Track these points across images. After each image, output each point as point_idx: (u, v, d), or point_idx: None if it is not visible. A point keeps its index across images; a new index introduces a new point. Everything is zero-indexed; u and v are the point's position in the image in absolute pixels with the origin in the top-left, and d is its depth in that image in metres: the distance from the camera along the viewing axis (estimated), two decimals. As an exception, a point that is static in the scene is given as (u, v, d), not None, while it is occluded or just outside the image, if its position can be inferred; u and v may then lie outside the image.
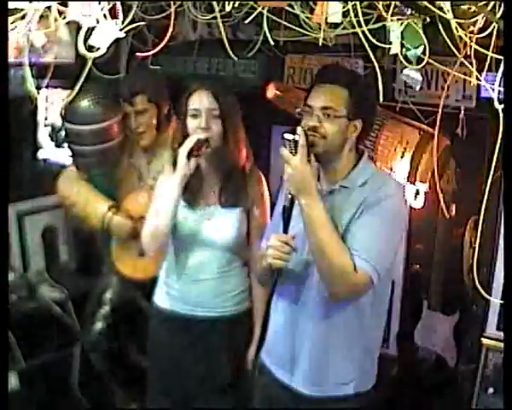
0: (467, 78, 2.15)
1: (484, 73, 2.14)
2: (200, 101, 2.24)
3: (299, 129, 1.83)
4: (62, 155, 3.17)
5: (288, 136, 1.81)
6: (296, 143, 1.81)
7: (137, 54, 2.88)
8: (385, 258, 1.90)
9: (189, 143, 2.19)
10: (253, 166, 2.41)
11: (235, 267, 2.41)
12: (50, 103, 3.42)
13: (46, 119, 3.52)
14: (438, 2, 1.64)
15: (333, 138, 1.90)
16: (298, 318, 2.01)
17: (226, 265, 2.38)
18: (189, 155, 2.19)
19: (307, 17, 1.93)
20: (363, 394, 2.03)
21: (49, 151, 3.58)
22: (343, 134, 1.92)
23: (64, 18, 1.87)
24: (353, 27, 1.78)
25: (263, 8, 1.93)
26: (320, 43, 2.01)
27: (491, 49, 1.77)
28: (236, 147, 2.30)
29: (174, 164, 2.28)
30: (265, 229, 2.34)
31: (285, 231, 1.91)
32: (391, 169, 2.65)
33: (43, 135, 3.62)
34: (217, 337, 2.39)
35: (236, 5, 2.00)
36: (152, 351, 2.53)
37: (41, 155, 3.56)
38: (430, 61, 1.86)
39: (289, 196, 1.88)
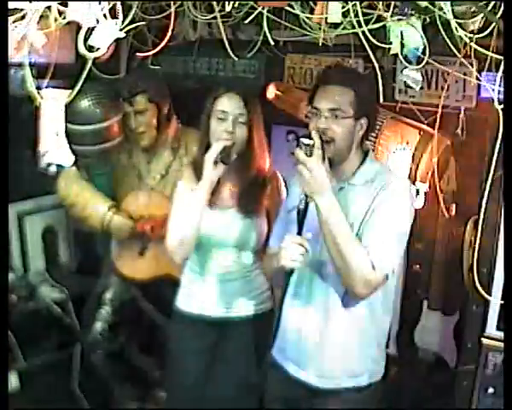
0: (467, 78, 2.16)
1: (484, 73, 2.14)
2: (230, 104, 2.23)
3: (313, 133, 1.86)
4: (63, 156, 3.17)
5: (305, 140, 1.84)
6: (312, 145, 1.83)
7: (137, 54, 2.88)
8: (398, 254, 1.96)
9: (215, 149, 2.17)
10: (274, 170, 2.40)
11: (255, 269, 2.40)
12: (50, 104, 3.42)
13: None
14: (438, 2, 1.64)
15: (341, 140, 1.93)
16: (311, 315, 2.03)
17: (246, 266, 2.38)
18: (216, 161, 2.18)
19: (307, 17, 1.93)
20: (375, 384, 2.08)
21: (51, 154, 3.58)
22: (351, 134, 1.95)
23: (64, 18, 1.87)
24: (353, 27, 1.78)
25: (263, 8, 1.93)
26: (320, 44, 2.01)
27: (491, 49, 1.77)
28: (259, 153, 2.30)
29: (195, 169, 2.28)
30: None
31: (299, 232, 1.92)
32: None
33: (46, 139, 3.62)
34: (237, 338, 2.39)
35: (236, 5, 2.00)
36: (174, 353, 2.51)
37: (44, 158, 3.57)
38: (430, 61, 1.87)
39: (304, 198, 1.89)
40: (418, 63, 1.89)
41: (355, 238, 1.88)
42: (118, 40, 1.93)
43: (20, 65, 2.21)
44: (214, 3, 2.02)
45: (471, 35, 1.73)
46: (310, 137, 1.85)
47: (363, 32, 1.76)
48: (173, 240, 2.27)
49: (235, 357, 2.39)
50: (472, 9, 1.68)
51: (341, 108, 1.91)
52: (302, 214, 1.91)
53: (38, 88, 2.67)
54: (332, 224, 1.85)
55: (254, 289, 2.41)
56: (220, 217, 2.33)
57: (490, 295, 2.47)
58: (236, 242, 2.34)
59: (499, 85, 1.83)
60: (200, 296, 2.42)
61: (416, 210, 2.66)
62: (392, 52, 1.81)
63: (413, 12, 1.72)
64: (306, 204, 1.90)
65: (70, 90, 2.66)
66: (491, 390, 2.52)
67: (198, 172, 2.27)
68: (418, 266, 3.08)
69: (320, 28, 1.92)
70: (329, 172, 1.89)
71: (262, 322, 2.39)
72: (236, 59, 2.22)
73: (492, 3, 1.63)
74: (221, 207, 2.34)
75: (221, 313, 2.39)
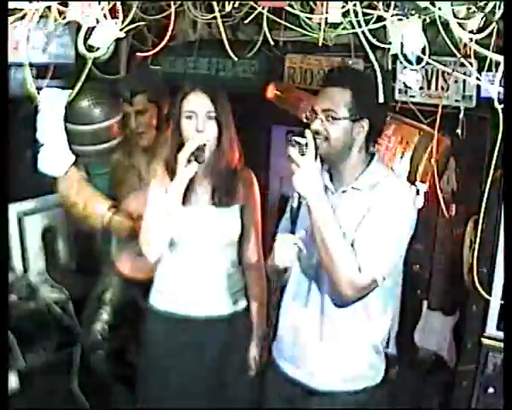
0: (467, 78, 2.16)
1: (484, 73, 2.14)
2: (197, 103, 2.24)
3: (307, 131, 1.87)
4: (62, 155, 3.18)
5: (298, 139, 1.85)
6: (305, 145, 1.84)
7: (137, 54, 2.88)
8: (390, 260, 1.93)
9: (189, 149, 2.18)
10: (244, 165, 2.41)
11: (231, 267, 2.41)
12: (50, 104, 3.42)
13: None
14: (438, 3, 1.64)
15: (336, 140, 1.92)
16: (308, 316, 2.03)
17: (222, 264, 2.38)
18: (189, 160, 2.19)
19: (307, 17, 1.93)
20: (372, 388, 2.06)
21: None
22: (347, 135, 1.93)
23: (64, 18, 1.87)
24: (353, 27, 1.78)
25: (263, 8, 1.93)
26: (320, 44, 2.01)
27: (491, 49, 1.77)
28: (231, 148, 2.31)
29: (167, 168, 2.29)
30: (259, 227, 2.39)
31: (292, 231, 1.93)
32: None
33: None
34: (215, 336, 2.39)
35: (236, 5, 2.00)
36: (149, 352, 2.51)
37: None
38: (430, 61, 1.86)
39: (297, 197, 1.91)
40: (418, 63, 1.89)
41: (344, 240, 1.87)
42: (118, 40, 1.93)
43: (20, 65, 2.22)
44: (214, 3, 2.02)
45: (471, 35, 1.73)
46: (303, 136, 1.85)
47: (363, 32, 1.76)
48: (147, 239, 2.29)
49: (211, 356, 2.39)
50: (472, 9, 1.68)
51: (334, 110, 1.90)
52: (295, 213, 1.93)
53: (38, 88, 2.69)
54: (321, 223, 1.85)
55: (231, 287, 2.41)
56: (195, 214, 2.33)
57: (490, 295, 2.47)
58: (212, 239, 2.34)
59: (499, 85, 1.83)
60: (173, 295, 2.41)
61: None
62: (392, 52, 1.81)
63: (413, 12, 1.72)
64: (299, 203, 1.91)
65: (70, 90, 2.67)
66: (491, 390, 2.52)
67: (170, 171, 2.27)
68: (418, 266, 3.08)
69: (320, 28, 1.92)
70: (321, 172, 1.89)
71: (236, 321, 2.42)
72: (236, 59, 2.22)
73: (492, 3, 1.63)
74: (195, 205, 2.34)
75: (195, 312, 2.39)
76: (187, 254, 2.37)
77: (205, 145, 2.21)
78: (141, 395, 2.56)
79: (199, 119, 2.22)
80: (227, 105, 2.30)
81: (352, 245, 1.88)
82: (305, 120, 1.99)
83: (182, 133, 2.26)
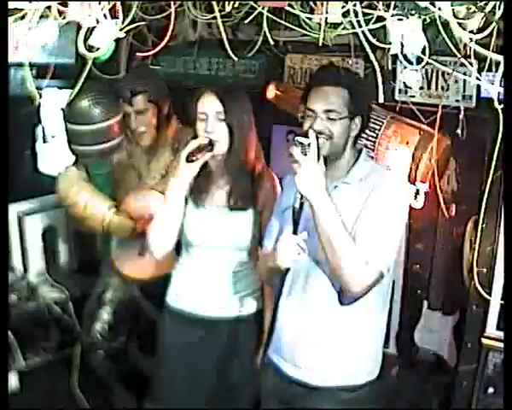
0: (467, 78, 2.16)
1: (484, 73, 2.14)
2: (207, 104, 2.24)
3: (310, 132, 1.87)
4: (62, 155, 3.18)
5: (301, 139, 1.85)
6: (308, 145, 1.84)
7: (137, 54, 2.88)
8: (392, 250, 1.96)
9: (189, 148, 2.20)
10: (265, 167, 2.41)
11: (246, 268, 2.40)
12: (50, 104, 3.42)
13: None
14: (438, 3, 1.64)
15: (338, 139, 1.95)
16: (307, 315, 2.04)
17: (237, 265, 2.38)
18: (191, 159, 2.19)
19: (307, 17, 1.93)
20: (370, 383, 2.07)
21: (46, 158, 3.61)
22: (346, 133, 1.97)
23: (64, 18, 1.87)
24: (353, 27, 1.79)
25: (263, 8, 1.93)
26: (320, 44, 2.01)
27: (491, 49, 1.77)
28: (244, 149, 2.30)
29: None
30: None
31: (295, 231, 1.94)
32: (391, 169, 2.65)
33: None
34: (227, 338, 2.40)
35: (236, 5, 2.00)
36: (163, 350, 2.52)
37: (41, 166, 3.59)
38: (430, 61, 1.87)
39: (299, 197, 1.91)
40: (418, 63, 1.89)
41: (349, 237, 1.88)
42: (118, 40, 1.94)
43: (20, 65, 2.22)
44: (214, 3, 2.02)
45: (471, 35, 1.73)
46: (306, 136, 1.86)
47: (363, 32, 1.77)
48: (152, 236, 2.34)
49: (223, 356, 2.40)
50: (472, 9, 1.68)
51: (336, 110, 1.93)
52: (298, 213, 1.93)
53: (38, 88, 2.69)
54: (326, 223, 1.86)
55: (244, 289, 2.41)
56: (211, 216, 2.34)
57: (490, 295, 2.48)
58: (227, 240, 2.34)
59: (499, 85, 1.83)
60: (188, 294, 2.42)
61: (416, 210, 2.69)
62: (392, 52, 1.81)
63: (413, 12, 1.72)
64: (302, 203, 1.91)
65: (70, 90, 2.67)
66: (491, 390, 2.52)
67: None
68: (418, 266, 3.08)
69: (320, 28, 1.92)
70: (324, 172, 1.90)
71: (250, 322, 2.41)
72: (236, 59, 2.22)
73: (492, 3, 1.63)
74: (213, 207, 2.35)
75: (208, 313, 2.39)
76: (200, 255, 2.38)
77: (209, 145, 2.22)
78: (154, 391, 2.56)
79: (209, 120, 2.23)
80: (242, 107, 2.30)
81: (354, 240, 1.90)
82: (300, 119, 2.00)
83: (197, 135, 2.27)
